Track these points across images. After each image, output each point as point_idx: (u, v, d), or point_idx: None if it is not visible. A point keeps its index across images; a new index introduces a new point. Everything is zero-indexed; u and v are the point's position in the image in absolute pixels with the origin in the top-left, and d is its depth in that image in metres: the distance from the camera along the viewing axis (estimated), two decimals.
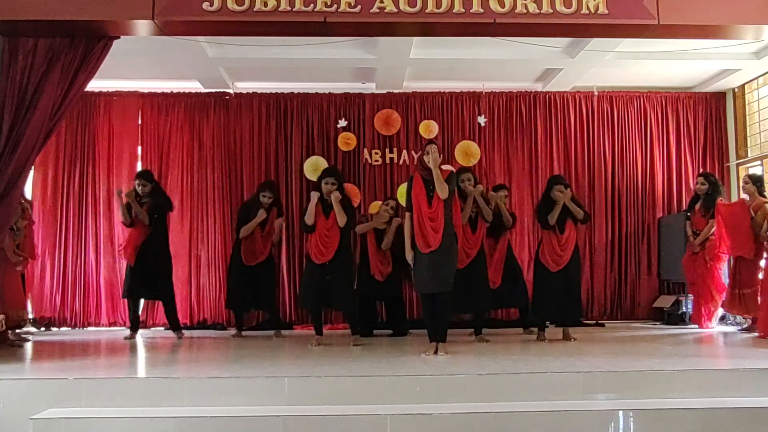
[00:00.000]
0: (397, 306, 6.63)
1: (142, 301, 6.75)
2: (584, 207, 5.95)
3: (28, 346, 5.94)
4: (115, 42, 5.24)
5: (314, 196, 5.59)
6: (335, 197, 5.49)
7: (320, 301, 5.62)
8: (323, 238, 5.52)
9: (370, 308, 6.52)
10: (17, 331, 6.11)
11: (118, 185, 7.70)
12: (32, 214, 6.55)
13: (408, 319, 6.90)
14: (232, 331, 6.82)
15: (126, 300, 6.67)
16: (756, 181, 6.47)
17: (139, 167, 7.78)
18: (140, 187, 6.31)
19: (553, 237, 5.72)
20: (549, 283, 5.70)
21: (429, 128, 7.85)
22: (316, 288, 5.52)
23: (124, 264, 7.60)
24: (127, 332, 6.43)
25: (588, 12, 5.06)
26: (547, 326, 5.96)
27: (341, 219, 5.48)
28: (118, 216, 6.92)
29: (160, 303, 6.96)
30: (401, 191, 7.65)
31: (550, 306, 5.75)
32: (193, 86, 7.78)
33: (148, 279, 6.26)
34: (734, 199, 7.53)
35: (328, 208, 5.56)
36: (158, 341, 6.36)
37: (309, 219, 5.56)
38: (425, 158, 4.89)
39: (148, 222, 6.26)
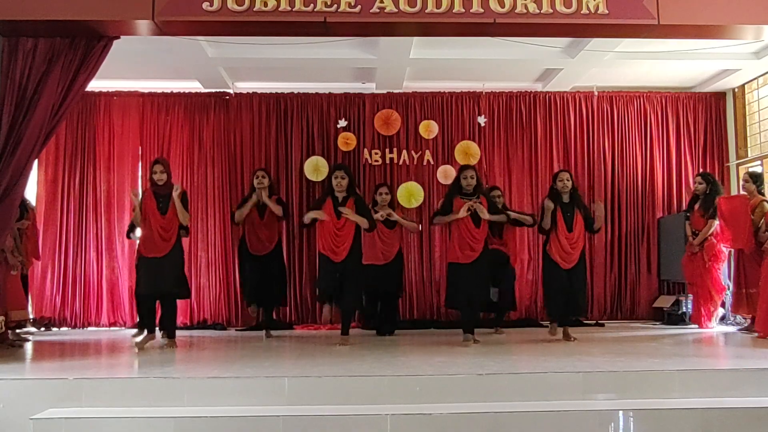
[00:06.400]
0: (391, 304, 6.56)
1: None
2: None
3: (28, 346, 5.94)
4: (115, 42, 5.24)
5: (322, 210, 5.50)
6: (348, 212, 5.46)
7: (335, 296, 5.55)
8: (335, 238, 5.47)
9: (375, 303, 6.43)
10: (17, 331, 6.11)
11: (119, 185, 7.73)
12: (35, 215, 6.54)
13: (403, 320, 6.92)
14: (232, 330, 6.79)
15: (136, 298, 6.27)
16: (756, 179, 6.48)
17: (139, 167, 7.79)
18: (156, 175, 5.56)
19: (562, 236, 5.62)
20: (558, 279, 5.63)
21: (429, 128, 7.86)
22: (331, 283, 5.47)
23: (124, 264, 7.60)
24: (134, 331, 6.30)
25: (588, 12, 5.06)
26: (547, 326, 5.97)
27: (362, 224, 5.50)
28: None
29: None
30: (401, 192, 7.67)
31: (559, 302, 5.67)
32: (193, 86, 7.78)
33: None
34: None
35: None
36: (159, 341, 6.35)
37: (307, 218, 5.55)
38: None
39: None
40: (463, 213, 5.38)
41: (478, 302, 5.71)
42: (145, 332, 5.62)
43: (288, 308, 7.59)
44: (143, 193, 5.64)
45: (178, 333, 6.61)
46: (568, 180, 5.68)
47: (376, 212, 6.24)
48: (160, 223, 5.42)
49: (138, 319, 6.30)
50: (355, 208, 5.52)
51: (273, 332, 6.50)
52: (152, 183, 5.56)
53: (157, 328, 5.61)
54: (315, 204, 5.69)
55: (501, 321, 6.59)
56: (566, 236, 5.61)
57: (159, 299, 5.61)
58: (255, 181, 6.30)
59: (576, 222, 5.64)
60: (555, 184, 5.74)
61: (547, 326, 7.10)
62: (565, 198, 5.70)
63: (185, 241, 7.57)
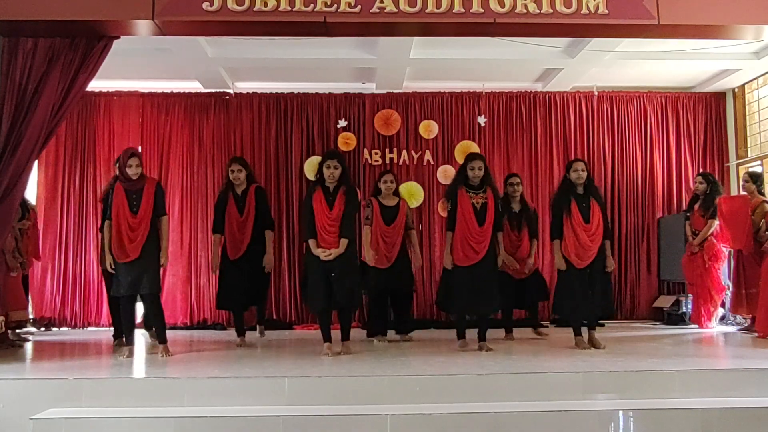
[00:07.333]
0: (405, 303, 6.26)
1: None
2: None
3: (28, 346, 5.94)
4: (115, 42, 5.23)
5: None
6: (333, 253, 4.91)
7: (329, 302, 4.96)
8: (327, 228, 4.90)
9: (382, 305, 6.12)
10: (17, 331, 6.11)
11: None
12: (36, 215, 6.53)
13: (415, 319, 6.86)
14: (232, 330, 6.76)
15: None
16: (756, 179, 6.48)
17: None
18: (131, 168, 4.93)
19: (579, 228, 5.11)
20: (575, 281, 5.13)
21: (429, 128, 7.86)
22: (324, 287, 4.91)
23: None
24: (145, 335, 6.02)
25: (588, 12, 5.06)
26: (547, 326, 5.93)
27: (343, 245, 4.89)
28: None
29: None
30: (401, 192, 7.64)
31: (575, 307, 5.20)
32: (193, 86, 7.78)
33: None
34: None
35: (332, 198, 4.97)
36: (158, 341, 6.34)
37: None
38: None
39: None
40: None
41: (483, 312, 5.25)
42: (125, 341, 5.08)
43: (288, 308, 7.60)
44: (110, 188, 5.10)
45: (179, 333, 6.65)
46: (583, 170, 5.20)
47: (372, 204, 5.95)
48: (131, 223, 4.88)
49: (113, 326, 5.77)
50: (345, 198, 4.97)
51: (272, 332, 6.46)
52: (124, 178, 4.94)
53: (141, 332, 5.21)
54: (306, 198, 5.14)
55: (536, 319, 6.26)
56: (584, 228, 5.09)
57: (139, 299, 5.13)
58: (230, 175, 5.66)
59: (593, 212, 5.13)
60: (569, 175, 5.24)
61: (547, 326, 7.13)
62: (580, 189, 5.22)
63: (185, 240, 7.68)
